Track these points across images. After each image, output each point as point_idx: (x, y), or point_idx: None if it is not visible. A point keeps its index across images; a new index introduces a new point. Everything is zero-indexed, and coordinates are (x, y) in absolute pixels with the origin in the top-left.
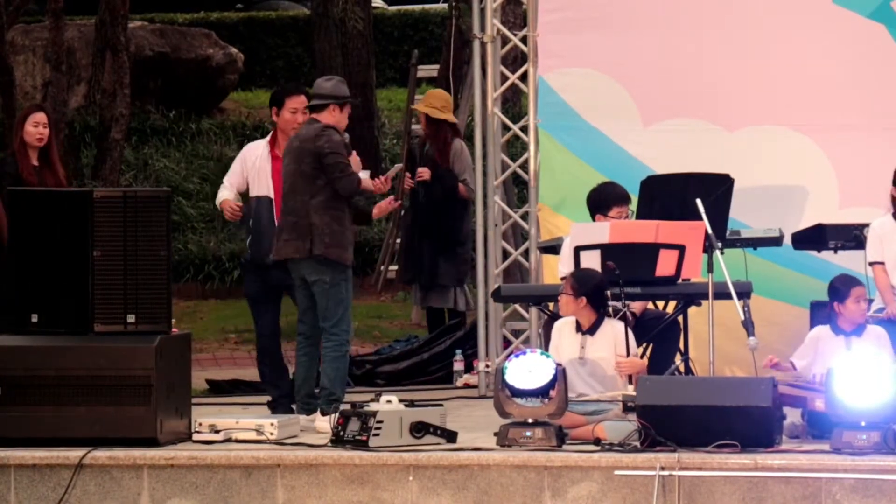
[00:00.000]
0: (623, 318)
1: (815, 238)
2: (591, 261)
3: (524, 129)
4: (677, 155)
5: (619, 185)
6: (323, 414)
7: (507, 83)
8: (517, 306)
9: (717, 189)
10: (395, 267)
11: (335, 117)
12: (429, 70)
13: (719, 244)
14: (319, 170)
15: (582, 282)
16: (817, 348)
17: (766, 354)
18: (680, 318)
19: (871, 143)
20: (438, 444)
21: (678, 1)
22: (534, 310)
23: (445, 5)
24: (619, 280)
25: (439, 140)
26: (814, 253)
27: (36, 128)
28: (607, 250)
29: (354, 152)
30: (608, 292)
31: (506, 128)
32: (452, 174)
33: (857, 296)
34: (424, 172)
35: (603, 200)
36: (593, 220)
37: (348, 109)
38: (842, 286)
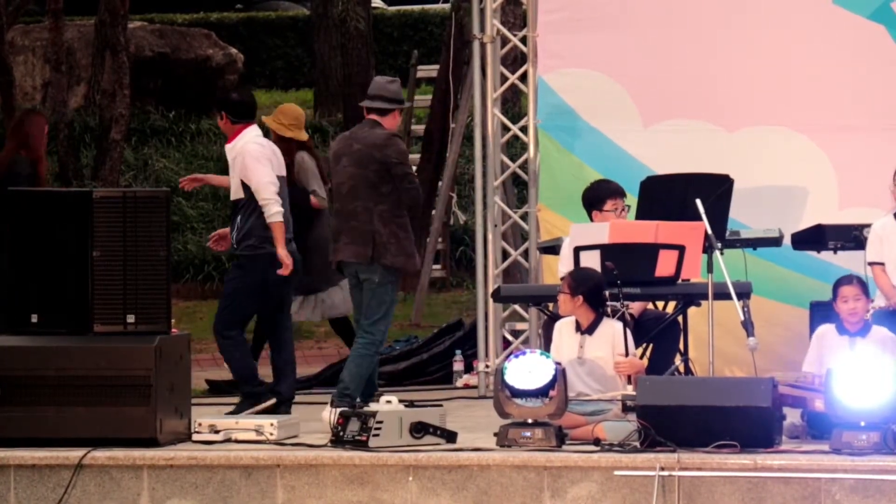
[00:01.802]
0: (622, 319)
1: (814, 238)
2: (591, 261)
3: (524, 130)
4: (677, 155)
5: (613, 181)
6: (332, 405)
7: (507, 83)
8: (517, 307)
9: (716, 189)
10: None
11: (396, 122)
12: (428, 70)
13: (719, 244)
14: (385, 178)
15: (579, 281)
16: (821, 346)
17: (766, 355)
18: (680, 319)
19: (872, 144)
20: (438, 444)
21: (678, 1)
22: (533, 310)
23: (445, 5)
24: (618, 281)
25: (288, 157)
26: (813, 253)
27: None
28: (607, 250)
29: None
30: (606, 293)
31: (505, 128)
32: (297, 189)
33: (843, 296)
34: None
35: (596, 196)
36: (589, 218)
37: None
38: (834, 285)
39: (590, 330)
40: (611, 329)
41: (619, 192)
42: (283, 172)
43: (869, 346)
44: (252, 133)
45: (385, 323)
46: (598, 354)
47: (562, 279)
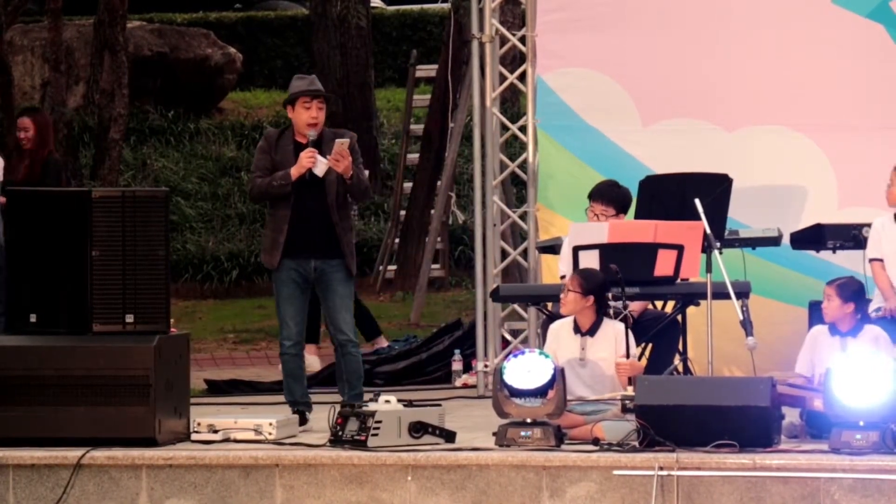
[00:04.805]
0: (623, 320)
1: (813, 238)
2: (590, 261)
3: (523, 129)
4: (676, 155)
5: (614, 184)
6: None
7: (506, 83)
8: (516, 306)
9: (715, 189)
10: (393, 267)
11: (293, 115)
12: (427, 70)
13: (718, 244)
14: None
15: (591, 280)
16: (814, 347)
17: (765, 354)
18: (679, 318)
19: (871, 143)
20: (437, 443)
21: (677, 1)
22: (532, 310)
23: (444, 5)
24: (621, 282)
25: None
26: (812, 253)
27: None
28: (606, 250)
29: (312, 150)
30: (609, 294)
31: (504, 128)
32: None
33: (825, 294)
34: None
35: (589, 195)
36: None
37: (303, 103)
38: None
39: (591, 331)
40: (613, 330)
41: (599, 196)
42: None
43: (861, 346)
44: None
45: (282, 324)
46: (601, 356)
47: (562, 277)
